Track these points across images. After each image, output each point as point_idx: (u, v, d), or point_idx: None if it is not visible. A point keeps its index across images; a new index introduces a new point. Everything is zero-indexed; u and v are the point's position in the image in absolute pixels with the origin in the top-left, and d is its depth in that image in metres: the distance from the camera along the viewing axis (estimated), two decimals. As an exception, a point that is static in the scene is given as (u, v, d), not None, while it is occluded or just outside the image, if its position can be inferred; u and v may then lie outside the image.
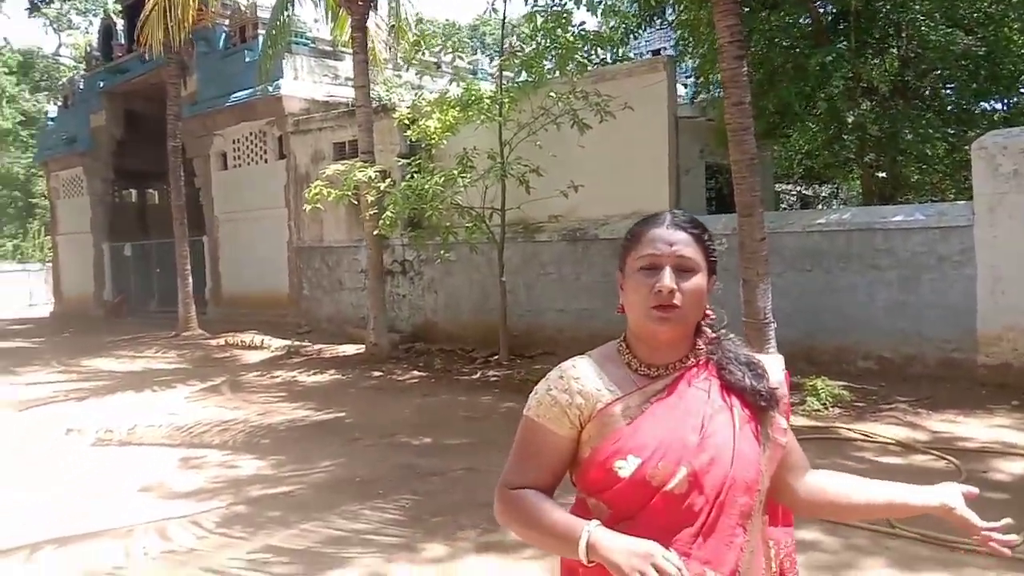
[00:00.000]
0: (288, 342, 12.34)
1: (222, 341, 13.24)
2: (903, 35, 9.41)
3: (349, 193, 9.70)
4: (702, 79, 10.70)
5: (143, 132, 18.85)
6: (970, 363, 7.43)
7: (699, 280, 1.40)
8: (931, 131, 8.41)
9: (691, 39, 10.33)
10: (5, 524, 4.56)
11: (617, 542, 1.28)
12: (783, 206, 16.78)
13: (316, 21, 14.70)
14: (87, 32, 32.49)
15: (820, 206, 16.02)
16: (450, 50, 12.22)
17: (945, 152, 9.35)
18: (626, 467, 1.34)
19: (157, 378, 9.99)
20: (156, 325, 16.10)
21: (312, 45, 15.02)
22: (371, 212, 9.74)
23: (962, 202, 8.12)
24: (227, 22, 16.09)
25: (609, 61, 11.68)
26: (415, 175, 9.57)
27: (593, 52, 11.25)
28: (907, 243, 7.81)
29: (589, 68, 10.85)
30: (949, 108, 9.31)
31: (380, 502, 4.74)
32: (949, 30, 9.03)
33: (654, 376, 1.43)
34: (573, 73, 9.77)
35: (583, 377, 1.43)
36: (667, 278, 1.37)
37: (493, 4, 10.03)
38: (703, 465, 1.34)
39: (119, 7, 13.39)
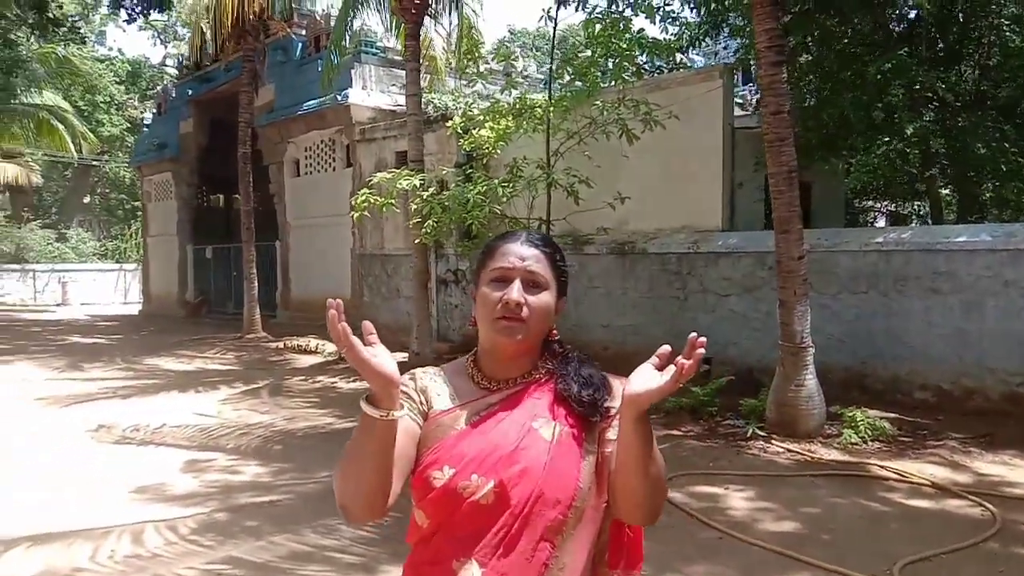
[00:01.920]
0: (334, 348, 12.45)
1: (281, 344, 13.51)
2: (983, 42, 8.71)
3: (393, 201, 9.69)
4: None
5: (227, 139, 19.57)
6: (1038, 399, 6.74)
7: (547, 297, 1.45)
8: (1007, 144, 7.70)
9: (753, 46, 9.85)
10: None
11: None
12: (870, 224, 15.94)
13: (386, 31, 14.88)
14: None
15: (915, 225, 15.07)
16: (503, 59, 11.98)
17: (1028, 167, 8.59)
18: (440, 477, 1.36)
19: (206, 379, 10.24)
20: (230, 326, 16.59)
21: (381, 54, 15.22)
22: (415, 221, 9.70)
23: (1035, 222, 7.41)
24: (304, 32, 16.54)
25: (667, 69, 11.30)
26: (458, 184, 9.48)
27: (650, 60, 10.96)
28: (971, 266, 7.17)
29: (645, 77, 10.57)
30: (1033, 120, 8.54)
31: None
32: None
33: (494, 390, 1.47)
34: (626, 82, 9.49)
35: (429, 382, 1.49)
36: (515, 291, 1.41)
37: (549, 11, 9.77)
38: (512, 477, 1.35)
39: (226, 19, 13.76)
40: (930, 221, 11.05)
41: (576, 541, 1.38)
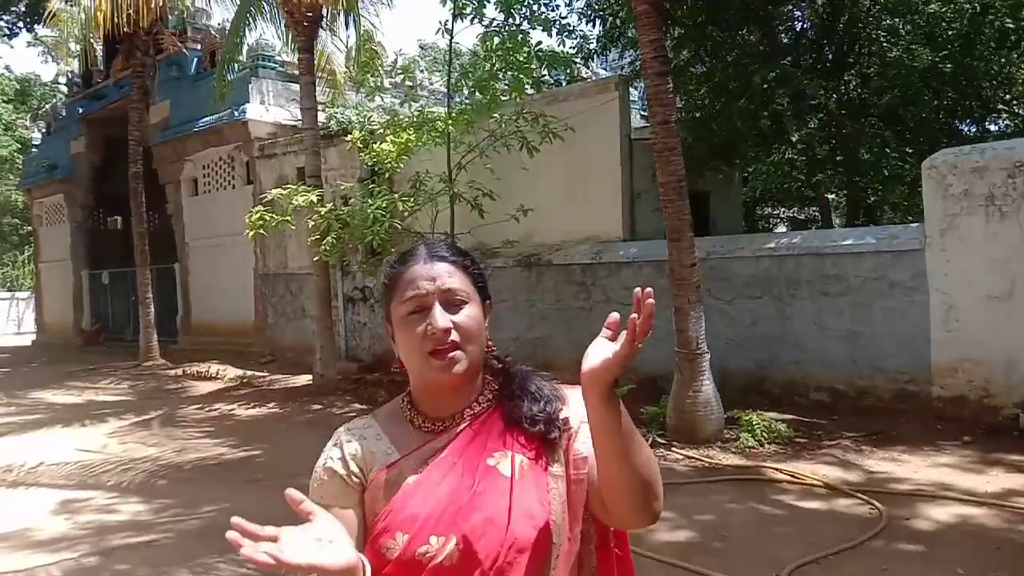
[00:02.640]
0: (242, 372, 12.02)
1: (180, 371, 12.93)
2: (863, 52, 9.07)
3: (290, 219, 9.40)
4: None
5: (122, 158, 18.73)
6: (925, 396, 6.98)
7: (473, 310, 1.28)
8: (887, 150, 8.02)
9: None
10: None
11: None
12: (772, 230, 16.39)
13: (284, 45, 14.54)
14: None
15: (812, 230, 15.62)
16: (401, 72, 11.85)
17: (909, 172, 8.97)
18: (394, 546, 1.19)
19: (95, 411, 9.66)
20: (127, 354, 15.78)
21: (279, 68, 14.84)
22: (313, 238, 9.43)
23: (914, 224, 7.72)
24: (199, 47, 16.00)
25: (566, 82, 11.39)
26: (359, 199, 9.28)
27: (548, 73, 11.01)
28: (858, 268, 7.41)
29: (544, 89, 10.61)
30: (912, 127, 8.93)
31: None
32: (912, 47, 8.71)
33: (439, 431, 1.28)
34: (525, 95, 9.49)
35: (357, 442, 1.30)
36: (438, 317, 1.24)
37: (446, 24, 9.69)
38: (475, 528, 1.17)
39: (99, 34, 13.15)
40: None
41: (564, 570, 1.24)
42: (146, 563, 4.31)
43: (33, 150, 22.75)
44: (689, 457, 6.07)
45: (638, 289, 1.08)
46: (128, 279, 19.03)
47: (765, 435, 6.30)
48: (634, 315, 1.07)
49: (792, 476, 5.45)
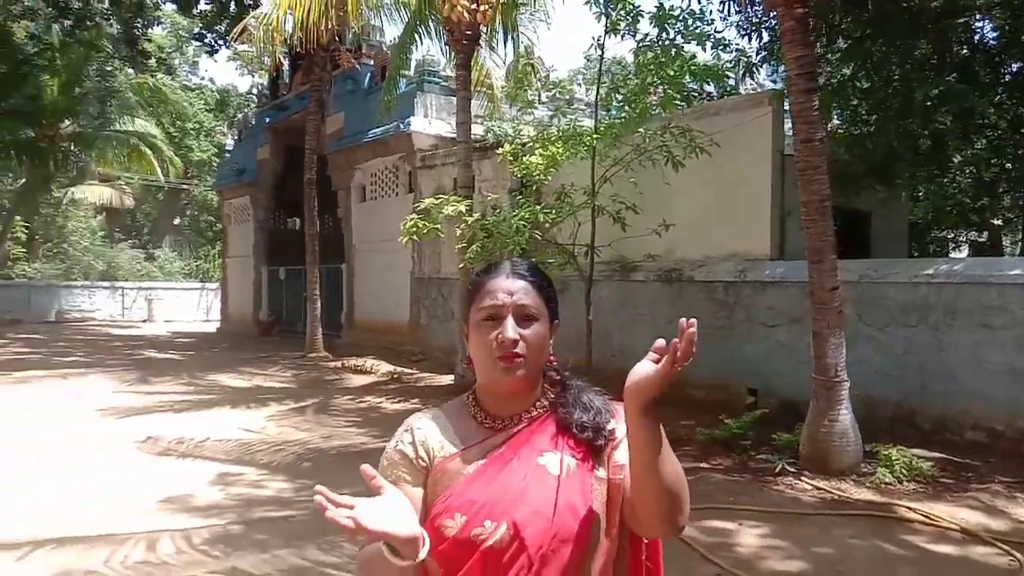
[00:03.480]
0: (394, 369, 12.71)
1: (339, 364, 13.86)
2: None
3: (439, 227, 9.87)
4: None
5: (301, 165, 20.30)
6: (1100, 445, 6.32)
7: (540, 327, 1.42)
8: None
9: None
10: (29, 522, 4.95)
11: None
12: (947, 255, 15.32)
13: (447, 61, 15.24)
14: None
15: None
16: (553, 87, 12.09)
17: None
18: (452, 526, 1.33)
19: (260, 396, 10.60)
20: (297, 345, 17.09)
21: (443, 83, 15.56)
22: (460, 246, 9.85)
23: (1097, 255, 6.99)
24: (372, 62, 17.08)
25: (718, 96, 11.19)
26: (503, 210, 9.59)
27: (701, 88, 10.89)
28: (1025, 300, 6.81)
29: (695, 103, 10.50)
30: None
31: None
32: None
33: (499, 428, 1.44)
34: (675, 109, 9.45)
35: (426, 430, 1.45)
36: (509, 328, 1.38)
37: (599, 40, 9.85)
38: (524, 518, 1.32)
39: (285, 49, 14.46)
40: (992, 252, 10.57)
41: (597, 573, 1.37)
42: (281, 535, 4.75)
43: (226, 155, 25.07)
44: (818, 488, 5.85)
45: (683, 320, 1.19)
46: (301, 276, 20.55)
47: (905, 472, 5.94)
48: (675, 341, 1.19)
49: (926, 517, 5.12)
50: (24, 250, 31.90)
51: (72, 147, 25.06)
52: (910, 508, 5.32)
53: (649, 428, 1.23)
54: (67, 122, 24.58)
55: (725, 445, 7.07)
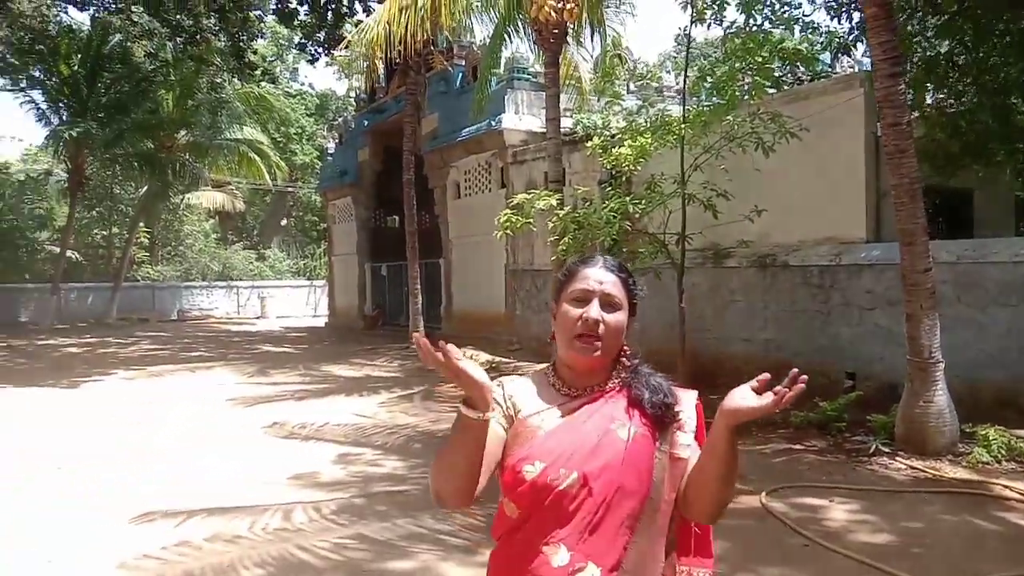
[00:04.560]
0: (491, 358, 13.20)
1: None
2: None
3: (531, 221, 10.24)
4: (914, 95, 9.79)
5: (399, 165, 21.10)
6: None
7: (621, 317, 1.62)
8: None
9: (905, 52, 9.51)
10: (182, 496, 5.64)
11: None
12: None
13: (536, 59, 15.57)
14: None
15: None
16: (639, 79, 12.25)
17: None
18: (532, 471, 1.53)
19: (370, 384, 11.29)
20: (400, 337, 17.91)
21: (533, 79, 15.91)
22: (552, 238, 10.20)
23: None
24: (463, 62, 17.62)
25: (806, 80, 11.08)
26: (593, 202, 9.87)
27: (790, 72, 10.84)
28: None
29: (784, 88, 10.48)
30: None
31: (475, 508, 5.14)
32: None
33: (574, 396, 1.64)
34: (765, 94, 9.48)
35: (516, 389, 1.67)
36: (594, 310, 1.59)
37: (686, 30, 10.00)
38: (594, 471, 1.52)
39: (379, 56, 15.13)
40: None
41: (652, 529, 1.55)
42: (398, 507, 5.25)
43: (328, 158, 26.24)
44: (912, 467, 5.92)
45: (795, 370, 1.38)
46: (402, 271, 21.46)
47: (1003, 452, 5.93)
48: (783, 388, 1.38)
49: (1022, 495, 5.16)
50: (147, 254, 34.28)
51: (187, 156, 26.81)
52: (1007, 486, 5.35)
53: (730, 444, 1.44)
54: (182, 133, 26.34)
55: (820, 427, 7.19)
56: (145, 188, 29.45)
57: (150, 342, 20.26)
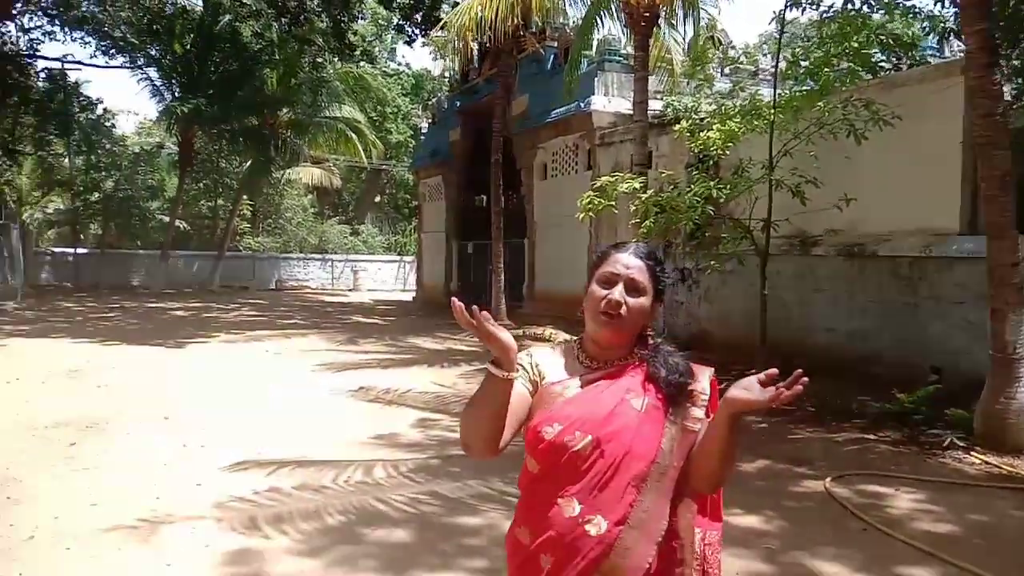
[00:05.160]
0: (569, 336, 13.40)
1: (520, 332, 14.76)
2: None
3: (613, 203, 10.35)
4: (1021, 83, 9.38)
5: (488, 146, 21.46)
6: None
7: (644, 301, 1.75)
8: None
9: (1009, 40, 9.10)
10: (274, 449, 6.12)
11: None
12: None
13: (626, 41, 15.54)
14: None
15: None
16: (731, 62, 12.10)
17: None
18: (550, 432, 1.68)
19: (451, 357, 11.72)
20: (483, 314, 18.31)
21: (623, 61, 15.89)
22: (634, 221, 10.29)
23: None
24: (556, 44, 17.73)
25: (905, 66, 10.72)
26: (679, 186, 9.91)
27: (891, 58, 10.53)
28: None
29: (881, 75, 10.20)
30: None
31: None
32: None
33: (595, 368, 1.78)
34: (861, 81, 9.28)
35: (543, 359, 1.83)
36: (618, 292, 1.73)
37: (781, 12, 9.86)
38: (606, 435, 1.67)
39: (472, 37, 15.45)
40: None
41: (658, 491, 1.67)
42: (471, 469, 5.56)
43: (421, 137, 26.87)
44: (987, 463, 5.84)
45: (799, 370, 1.46)
46: (488, 250, 21.85)
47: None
48: (783, 387, 1.48)
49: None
50: (249, 225, 35.95)
51: (289, 133, 27.96)
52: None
53: (728, 429, 1.57)
54: (285, 111, 27.46)
55: (898, 419, 7.11)
56: (249, 163, 30.87)
57: (250, 309, 21.40)
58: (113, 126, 30.25)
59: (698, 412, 1.72)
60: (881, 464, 5.90)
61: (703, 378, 1.77)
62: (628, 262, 1.76)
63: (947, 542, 4.26)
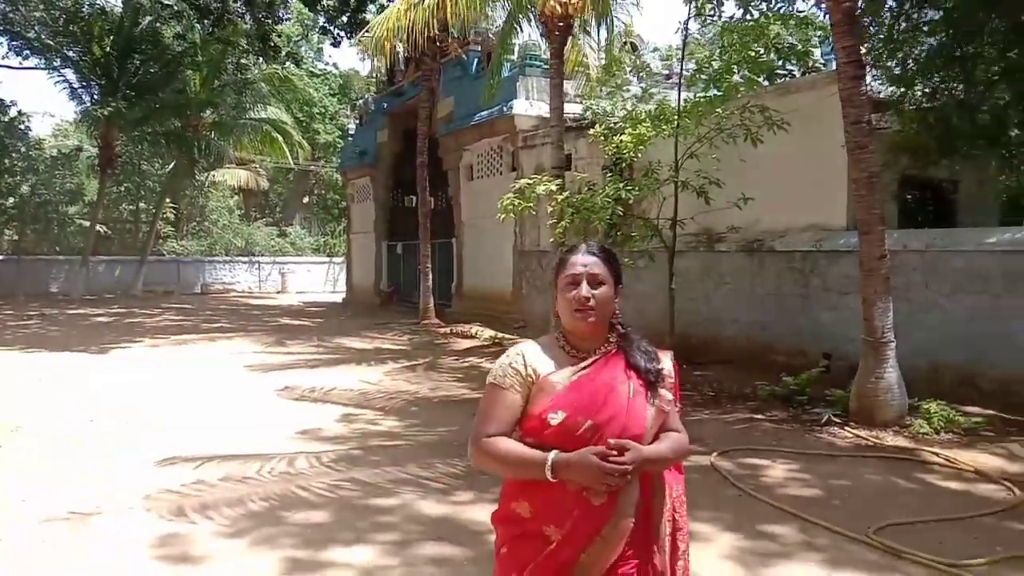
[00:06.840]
0: (494, 334, 13.87)
1: (448, 330, 15.17)
2: None
3: (532, 205, 10.84)
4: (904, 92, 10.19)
5: (415, 147, 21.73)
6: None
7: (607, 290, 2.03)
8: None
9: (884, 48, 9.91)
10: (201, 446, 6.36)
11: (573, 459, 1.87)
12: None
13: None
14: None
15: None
16: (640, 70, 12.74)
17: None
18: (556, 418, 1.95)
19: (378, 356, 12.01)
20: (413, 313, 18.58)
21: (544, 66, 16.40)
22: (551, 222, 10.79)
23: None
24: (479, 48, 18.15)
25: (797, 73, 11.53)
26: (591, 187, 10.44)
27: (783, 65, 11.28)
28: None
29: (777, 81, 10.95)
30: None
31: (456, 460, 5.79)
32: None
33: (581, 357, 2.04)
34: (759, 87, 9.95)
35: (533, 355, 2.05)
36: (583, 289, 2.00)
37: (685, 23, 10.49)
38: (603, 419, 1.94)
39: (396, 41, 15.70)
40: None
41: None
42: (390, 458, 5.93)
43: (349, 138, 26.93)
44: (857, 436, 6.50)
45: (611, 440, 1.89)
46: (417, 250, 22.13)
47: (942, 423, 6.50)
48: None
49: (946, 460, 5.73)
50: (172, 229, 35.28)
51: (213, 135, 27.62)
52: (934, 453, 5.93)
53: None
54: (208, 112, 27.12)
55: (784, 400, 7.77)
56: (172, 165, 30.36)
57: (174, 313, 21.18)
58: (28, 129, 29.28)
59: (668, 394, 2.06)
60: (764, 440, 6.51)
61: (666, 360, 2.12)
62: (584, 260, 2.04)
63: (808, 503, 4.84)
